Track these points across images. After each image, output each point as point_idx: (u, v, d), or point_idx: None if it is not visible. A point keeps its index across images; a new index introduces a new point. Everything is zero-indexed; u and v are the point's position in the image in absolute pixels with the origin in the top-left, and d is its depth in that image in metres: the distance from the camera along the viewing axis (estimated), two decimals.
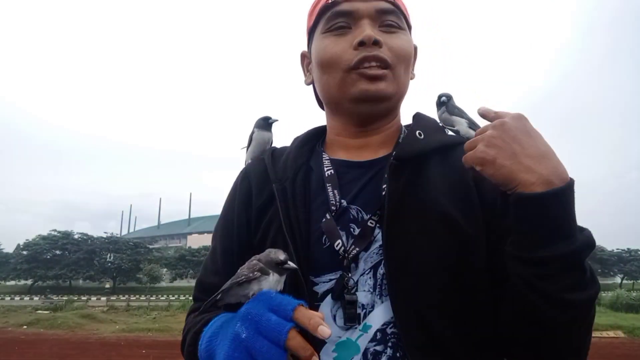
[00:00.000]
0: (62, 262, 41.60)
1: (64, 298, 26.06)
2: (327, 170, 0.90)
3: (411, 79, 0.97)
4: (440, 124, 1.00)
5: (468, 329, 0.76)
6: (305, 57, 1.03)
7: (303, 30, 1.04)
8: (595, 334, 14.14)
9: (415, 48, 0.99)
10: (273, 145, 1.08)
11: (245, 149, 1.14)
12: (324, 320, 0.63)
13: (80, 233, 46.34)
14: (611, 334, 14.50)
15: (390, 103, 0.91)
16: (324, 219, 0.84)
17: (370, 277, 0.78)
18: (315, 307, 0.79)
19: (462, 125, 1.02)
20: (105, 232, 47.72)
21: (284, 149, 1.02)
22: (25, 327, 16.94)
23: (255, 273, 0.69)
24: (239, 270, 0.72)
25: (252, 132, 1.15)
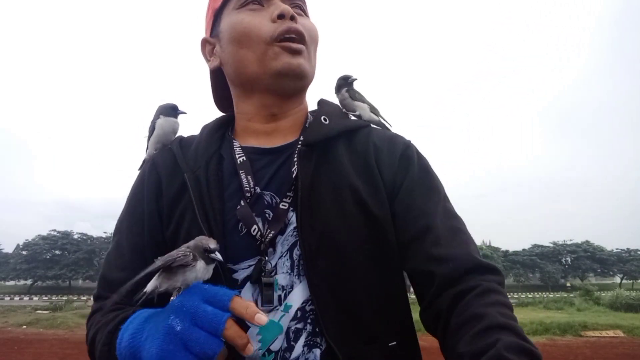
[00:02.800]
0: (62, 262, 41.65)
1: (64, 298, 26.11)
2: (239, 157, 0.89)
3: None
4: (343, 110, 1.02)
5: (383, 303, 0.81)
6: (207, 43, 1.00)
7: (200, 19, 1.04)
8: (594, 333, 14.16)
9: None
10: (178, 134, 1.03)
11: (147, 137, 1.06)
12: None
13: (80, 233, 46.41)
14: (611, 333, 14.48)
15: (305, 81, 0.92)
16: (238, 206, 0.83)
17: (287, 259, 0.80)
18: None
19: (364, 110, 1.02)
20: (105, 232, 47.77)
21: (192, 137, 0.99)
22: (24, 326, 16.93)
23: (189, 259, 0.67)
24: (166, 257, 0.68)
25: (156, 119, 1.05)
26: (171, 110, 1.06)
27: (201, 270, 0.68)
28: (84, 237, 45.83)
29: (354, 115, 1.01)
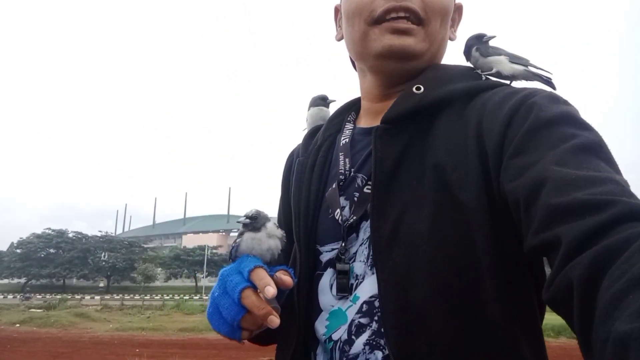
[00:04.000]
0: (56, 261, 41.46)
1: (58, 297, 25.98)
2: (344, 139, 0.88)
3: (451, 39, 0.90)
4: (475, 70, 0.85)
5: (460, 311, 0.64)
6: (337, 11, 0.96)
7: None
8: None
9: (460, 6, 0.93)
10: None
11: (305, 130, 1.11)
12: (280, 282, 0.70)
13: (75, 232, 46.20)
14: None
15: (420, 62, 0.82)
16: (329, 188, 0.83)
17: (366, 247, 0.75)
18: (318, 276, 0.80)
19: (502, 64, 0.82)
20: (100, 231, 47.62)
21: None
22: (18, 325, 16.85)
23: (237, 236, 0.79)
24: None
25: (308, 110, 1.16)
26: (320, 101, 1.15)
27: (248, 241, 0.76)
28: (79, 236, 45.63)
29: (489, 75, 0.83)
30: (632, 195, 0.49)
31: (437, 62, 0.86)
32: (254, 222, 0.77)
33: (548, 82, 0.81)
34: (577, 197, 0.49)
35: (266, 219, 0.79)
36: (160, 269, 42.85)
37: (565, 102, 0.66)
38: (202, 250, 43.37)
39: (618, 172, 0.54)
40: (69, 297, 26.99)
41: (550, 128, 0.60)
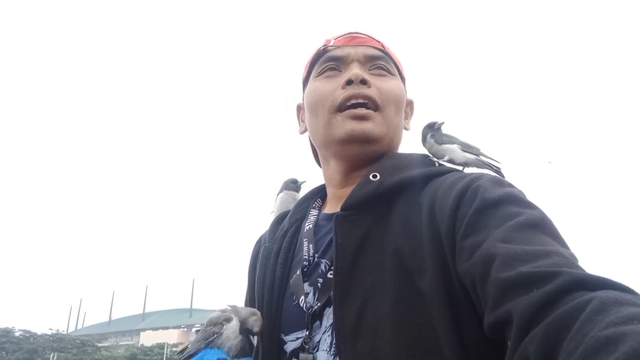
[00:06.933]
0: None
1: None
2: (308, 225, 0.90)
3: (406, 129, 0.98)
4: (429, 158, 0.90)
5: None
6: (300, 109, 1.04)
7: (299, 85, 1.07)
8: None
9: (411, 102, 1.02)
10: None
11: (274, 213, 1.13)
12: None
13: (23, 330, 42.87)
14: None
15: (379, 146, 0.87)
16: (294, 275, 0.83)
17: (329, 335, 0.74)
18: None
19: (455, 153, 0.88)
20: (50, 329, 44.36)
21: None
22: None
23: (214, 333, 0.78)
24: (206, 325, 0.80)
25: (278, 194, 1.15)
26: (290, 184, 1.17)
27: (230, 338, 0.76)
28: (26, 335, 42.26)
29: (443, 162, 0.88)
30: (577, 266, 0.50)
31: (395, 147, 0.93)
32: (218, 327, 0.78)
33: (497, 171, 0.86)
34: (523, 271, 0.50)
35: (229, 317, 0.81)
36: None
37: (510, 185, 0.70)
38: (161, 349, 40.65)
39: (564, 245, 0.56)
40: None
41: (495, 208, 0.63)
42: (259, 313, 0.81)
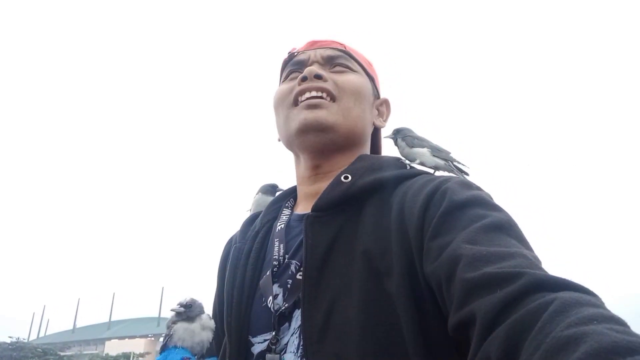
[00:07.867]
0: None
1: None
2: (280, 225, 0.89)
3: (381, 127, 1.00)
4: (401, 161, 0.91)
5: None
6: None
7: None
8: None
9: (387, 100, 1.03)
10: None
11: (249, 212, 1.15)
12: None
13: None
14: None
15: (336, 135, 0.87)
16: (264, 276, 0.82)
17: (296, 337, 0.73)
18: None
19: (424, 156, 0.91)
20: (10, 337, 42.69)
21: None
22: None
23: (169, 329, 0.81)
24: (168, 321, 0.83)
25: (255, 195, 1.17)
26: (269, 187, 1.19)
27: (180, 331, 0.79)
28: None
29: (414, 165, 0.90)
30: (540, 268, 0.51)
31: (358, 140, 0.92)
32: (189, 311, 0.79)
33: (461, 171, 0.91)
34: (487, 271, 0.50)
35: (201, 309, 0.82)
36: None
37: (478, 188, 0.72)
38: (126, 358, 39.82)
39: (528, 248, 0.58)
40: None
41: (462, 210, 0.64)
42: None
